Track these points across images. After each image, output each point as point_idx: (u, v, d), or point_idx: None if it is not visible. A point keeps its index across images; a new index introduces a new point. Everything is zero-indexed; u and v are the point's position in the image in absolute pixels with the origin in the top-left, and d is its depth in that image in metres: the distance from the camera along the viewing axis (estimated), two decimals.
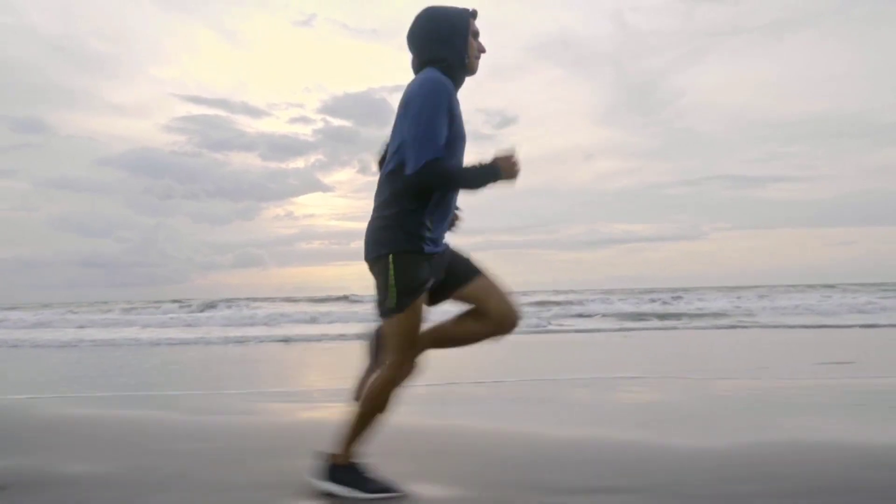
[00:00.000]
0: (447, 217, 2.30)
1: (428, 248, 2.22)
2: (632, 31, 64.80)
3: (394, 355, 2.30)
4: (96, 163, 70.54)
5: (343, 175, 77.97)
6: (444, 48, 2.22)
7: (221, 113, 70.20)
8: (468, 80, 2.39)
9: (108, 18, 66.95)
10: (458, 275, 2.36)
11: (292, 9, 75.37)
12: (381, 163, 2.46)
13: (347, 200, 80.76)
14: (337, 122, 68.73)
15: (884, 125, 62.28)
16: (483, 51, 2.31)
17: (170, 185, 67.50)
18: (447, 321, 2.39)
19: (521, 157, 2.14)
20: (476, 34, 2.31)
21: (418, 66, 2.30)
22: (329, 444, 2.54)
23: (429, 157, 2.05)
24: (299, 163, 70.68)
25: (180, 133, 70.83)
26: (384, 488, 2.37)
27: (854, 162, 66.83)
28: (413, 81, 2.21)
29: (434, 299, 2.38)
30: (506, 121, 70.17)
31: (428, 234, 2.21)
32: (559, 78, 72.26)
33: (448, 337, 2.37)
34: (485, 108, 73.81)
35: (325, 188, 78.77)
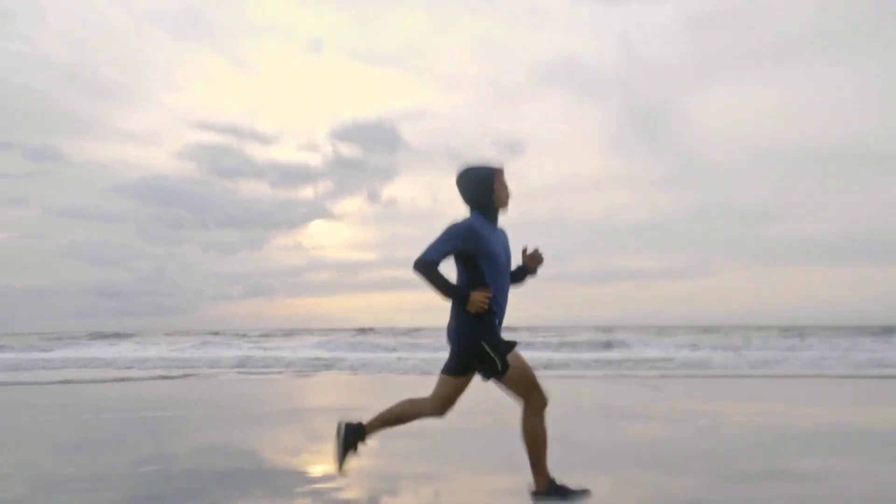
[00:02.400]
0: (506, 301, 3.09)
1: (497, 323, 3.04)
2: (639, 58, 64.84)
3: (526, 396, 3.05)
4: (108, 190, 70.24)
5: (352, 204, 76.20)
6: (479, 197, 3.07)
7: (231, 140, 70.64)
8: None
9: (121, 48, 66.97)
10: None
11: (302, 36, 75.40)
12: None
13: (356, 230, 79.13)
14: (346, 148, 69.50)
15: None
16: (509, 193, 3.12)
17: (180, 214, 66.38)
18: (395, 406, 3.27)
19: (482, 303, 2.95)
20: (503, 182, 3.11)
21: (466, 207, 3.12)
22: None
23: (428, 257, 2.92)
24: (308, 191, 70.62)
25: (191, 160, 70.80)
26: (577, 492, 3.10)
27: (873, 195, 64.82)
28: None
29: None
30: (513, 146, 69.58)
31: (496, 315, 3.02)
32: (567, 104, 71.26)
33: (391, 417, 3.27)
34: (493, 135, 73.38)
35: (334, 217, 77.69)
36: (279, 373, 14.49)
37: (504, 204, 3.13)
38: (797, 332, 28.63)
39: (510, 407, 3.29)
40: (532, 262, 3.26)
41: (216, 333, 36.68)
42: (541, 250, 3.26)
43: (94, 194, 72.28)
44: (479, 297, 2.93)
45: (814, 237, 68.49)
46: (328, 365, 16.08)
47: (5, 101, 60.13)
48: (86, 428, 6.85)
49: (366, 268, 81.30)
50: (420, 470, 4.44)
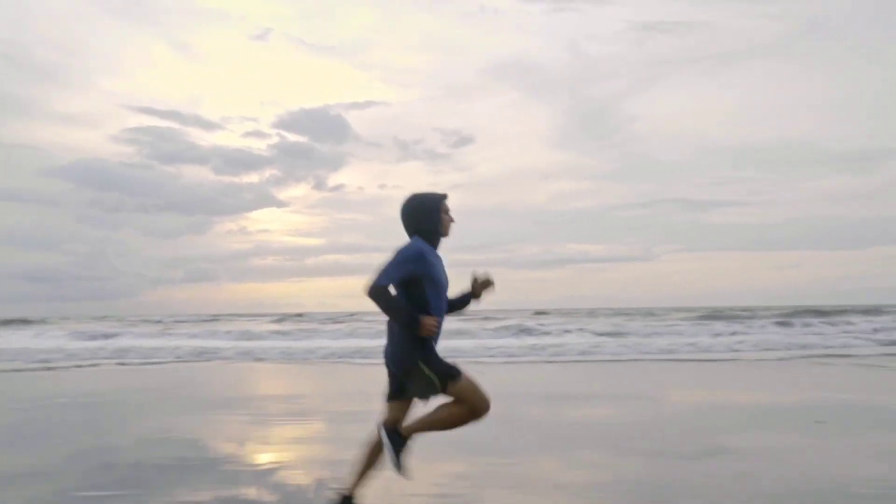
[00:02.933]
0: (440, 332, 3.14)
1: (433, 344, 3.13)
2: (587, 58, 67.12)
3: (469, 406, 3.03)
4: (42, 173, 65.76)
5: (298, 191, 75.03)
6: (424, 223, 3.14)
7: (173, 125, 67.02)
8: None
9: (59, 28, 62.50)
10: None
11: (249, 23, 72.71)
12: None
13: (302, 216, 77.74)
14: (292, 137, 67.83)
15: (830, 154, 67.07)
16: (453, 220, 3.21)
17: (118, 198, 63.75)
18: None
19: (433, 327, 3.01)
20: (447, 210, 3.19)
21: (409, 233, 3.18)
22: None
23: (381, 282, 2.96)
24: (253, 177, 68.17)
25: (130, 144, 67.12)
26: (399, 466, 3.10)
27: (801, 188, 71.00)
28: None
29: None
30: (462, 140, 70.25)
31: (432, 344, 3.10)
32: (516, 101, 73.70)
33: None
34: (441, 127, 73.42)
35: (280, 203, 75.55)
36: (155, 363, 13.54)
37: (447, 232, 3.22)
38: (724, 315, 30.30)
39: None
40: (482, 289, 3.34)
41: (101, 318, 34.18)
42: (490, 277, 3.31)
43: (26, 177, 69.30)
44: (430, 322, 2.99)
45: (750, 225, 74.65)
46: (207, 355, 15.27)
47: None
48: None
49: (312, 253, 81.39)
50: None
